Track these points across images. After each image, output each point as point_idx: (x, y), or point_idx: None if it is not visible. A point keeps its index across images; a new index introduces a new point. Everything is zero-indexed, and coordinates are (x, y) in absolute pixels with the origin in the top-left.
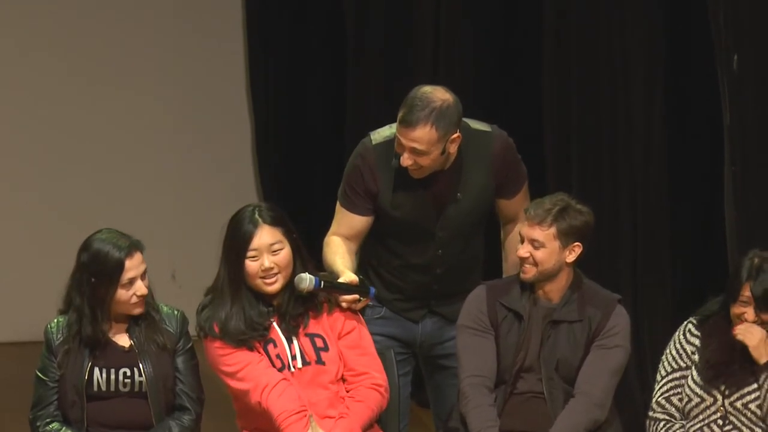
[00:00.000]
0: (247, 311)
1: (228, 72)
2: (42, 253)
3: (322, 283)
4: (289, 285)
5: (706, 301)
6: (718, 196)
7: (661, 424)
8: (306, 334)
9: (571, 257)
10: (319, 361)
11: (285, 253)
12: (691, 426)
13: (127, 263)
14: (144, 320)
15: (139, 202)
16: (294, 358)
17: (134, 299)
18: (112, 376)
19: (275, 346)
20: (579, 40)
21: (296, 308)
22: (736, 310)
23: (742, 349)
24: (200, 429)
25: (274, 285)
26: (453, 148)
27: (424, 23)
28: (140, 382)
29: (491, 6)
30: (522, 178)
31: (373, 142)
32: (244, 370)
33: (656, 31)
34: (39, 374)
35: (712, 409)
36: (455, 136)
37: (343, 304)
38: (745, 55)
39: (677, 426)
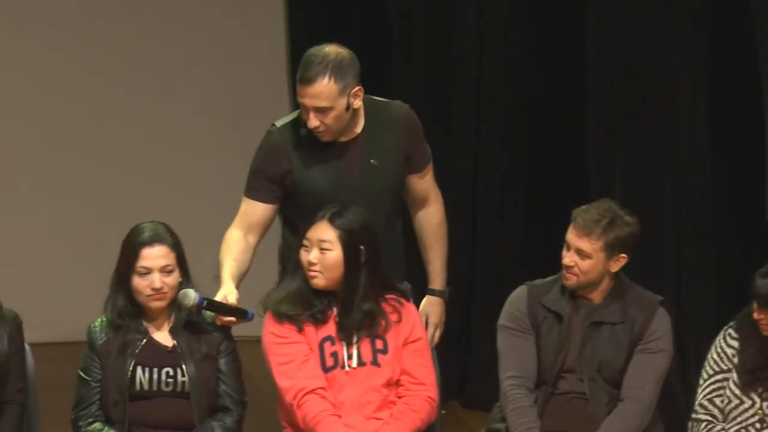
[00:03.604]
0: (305, 293)
1: (269, 73)
2: (83, 254)
3: (205, 302)
4: (348, 284)
5: (748, 304)
6: (763, 197)
7: (703, 425)
8: (368, 335)
9: (615, 267)
10: (375, 363)
11: (332, 255)
12: (730, 428)
13: (144, 251)
14: (186, 320)
15: (182, 205)
16: (350, 357)
17: (149, 291)
18: (155, 376)
19: (332, 343)
20: (622, 40)
21: (362, 307)
22: (756, 314)
23: None
24: (242, 430)
25: (315, 280)
26: (357, 103)
27: (467, 24)
28: (183, 383)
29: (535, 4)
30: (428, 153)
31: (278, 125)
32: (289, 365)
33: (698, 31)
34: (81, 374)
35: (750, 412)
36: (357, 89)
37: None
38: None
39: (718, 428)
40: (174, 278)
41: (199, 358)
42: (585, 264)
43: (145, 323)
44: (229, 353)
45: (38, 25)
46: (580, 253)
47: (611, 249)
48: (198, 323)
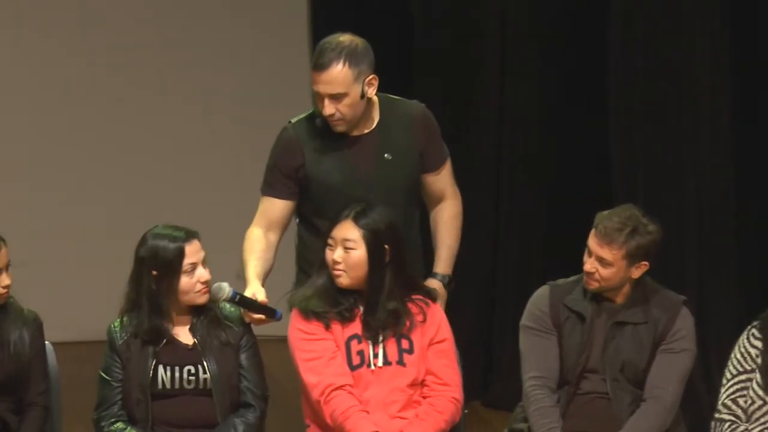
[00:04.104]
0: (332, 291)
1: (290, 74)
2: (103, 253)
3: (238, 296)
4: (373, 283)
5: None
6: None
7: (726, 425)
8: (394, 335)
9: (637, 274)
10: (401, 362)
11: (357, 254)
12: (753, 428)
13: (187, 249)
14: (206, 317)
15: (202, 205)
16: (376, 356)
17: (198, 286)
18: (177, 374)
19: (359, 342)
20: (645, 40)
21: (386, 306)
22: None
23: None
24: (265, 426)
25: (339, 278)
26: (371, 92)
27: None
28: (204, 380)
29: (557, 8)
30: (445, 151)
31: (292, 122)
32: (316, 361)
33: (722, 32)
34: (102, 374)
35: None
36: (371, 77)
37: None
38: None
39: (741, 428)
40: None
41: (219, 354)
42: (606, 271)
43: (165, 322)
44: (250, 348)
45: (61, 26)
46: (601, 260)
47: (633, 257)
48: (218, 319)
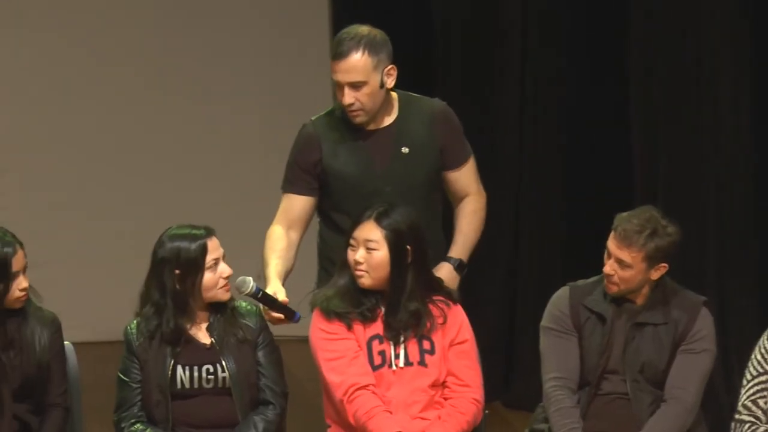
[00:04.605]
0: (354, 291)
1: (311, 75)
2: (123, 253)
3: (261, 293)
4: (395, 283)
5: None
6: None
7: (747, 426)
8: (415, 335)
9: (656, 275)
10: (422, 363)
11: (379, 254)
12: None
13: (209, 245)
14: (222, 315)
15: (222, 206)
16: (397, 356)
17: (221, 282)
18: (195, 374)
19: (380, 342)
20: (665, 44)
21: (408, 307)
22: None
23: None
24: (286, 425)
25: (361, 279)
26: (390, 82)
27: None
28: (223, 378)
29: (576, 10)
30: (467, 148)
31: (312, 119)
32: (339, 361)
33: (742, 31)
34: (121, 376)
35: None
36: (390, 67)
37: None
38: None
39: (761, 429)
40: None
41: (237, 352)
42: (625, 273)
43: (184, 319)
44: (267, 345)
45: (84, 28)
46: (620, 263)
47: (652, 259)
48: (233, 317)
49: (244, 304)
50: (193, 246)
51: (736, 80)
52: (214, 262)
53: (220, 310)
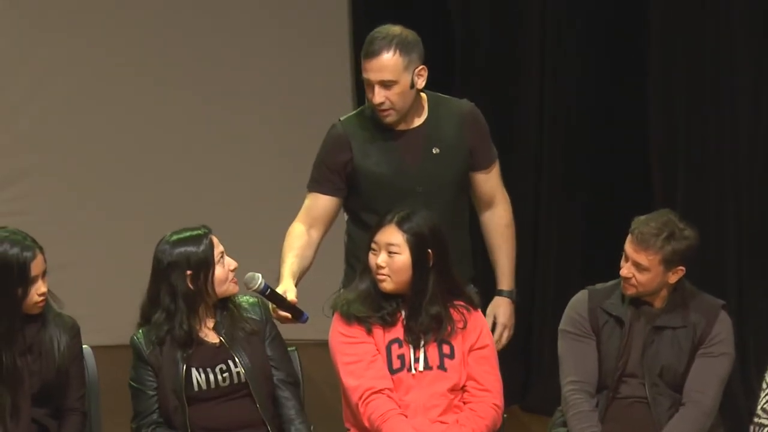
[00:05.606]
0: (374, 295)
1: (332, 77)
2: (141, 257)
3: (269, 290)
4: (416, 287)
5: None
6: None
7: (765, 429)
8: (435, 339)
9: (673, 279)
10: (442, 367)
11: (400, 258)
12: None
13: (214, 238)
14: (226, 312)
15: (233, 210)
16: (416, 360)
17: (230, 275)
18: (211, 375)
19: (400, 346)
20: (684, 46)
21: (429, 311)
22: None
23: None
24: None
25: (383, 283)
26: (421, 83)
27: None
28: (238, 373)
29: (596, 11)
30: (494, 151)
31: (341, 119)
32: (356, 365)
33: (762, 30)
34: (135, 384)
35: None
36: (421, 68)
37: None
38: None
39: None
40: None
41: (247, 345)
42: (643, 276)
43: (196, 320)
44: (274, 338)
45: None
46: (637, 266)
47: (669, 263)
48: (237, 312)
49: (245, 298)
50: (201, 244)
51: (756, 81)
52: (221, 255)
53: (224, 308)
